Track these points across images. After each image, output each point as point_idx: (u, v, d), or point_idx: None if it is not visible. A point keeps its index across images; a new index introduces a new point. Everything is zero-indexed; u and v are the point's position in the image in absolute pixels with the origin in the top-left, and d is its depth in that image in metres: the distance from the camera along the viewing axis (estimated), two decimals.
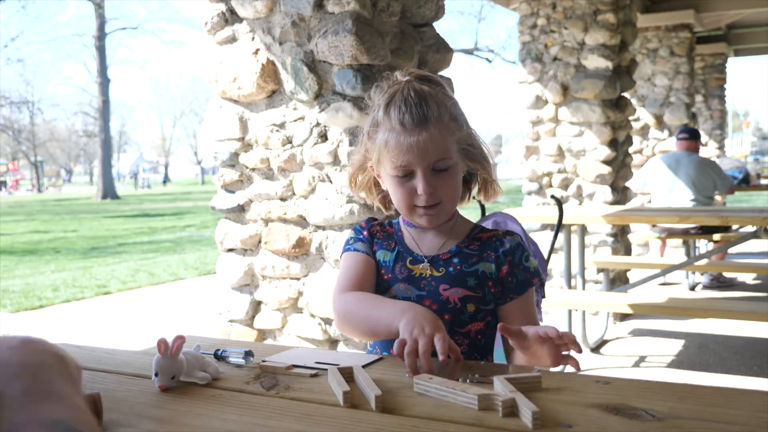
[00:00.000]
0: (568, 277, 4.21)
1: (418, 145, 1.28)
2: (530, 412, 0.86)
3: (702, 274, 6.15)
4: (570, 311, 4.05)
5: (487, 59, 28.87)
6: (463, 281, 1.35)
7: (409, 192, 1.33)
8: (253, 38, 2.56)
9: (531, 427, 0.85)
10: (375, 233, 1.46)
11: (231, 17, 2.62)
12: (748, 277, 6.40)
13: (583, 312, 4.29)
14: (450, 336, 1.15)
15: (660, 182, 5.73)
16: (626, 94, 5.42)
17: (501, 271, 1.37)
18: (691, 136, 5.77)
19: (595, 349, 4.33)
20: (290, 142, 2.55)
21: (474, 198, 1.48)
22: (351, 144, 2.41)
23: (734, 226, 5.65)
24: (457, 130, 1.33)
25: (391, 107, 1.30)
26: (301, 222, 2.58)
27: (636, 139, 7.57)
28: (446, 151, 1.31)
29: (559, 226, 2.72)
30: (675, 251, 7.00)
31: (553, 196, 3.03)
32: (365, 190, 1.46)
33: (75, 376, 0.79)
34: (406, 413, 0.92)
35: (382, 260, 1.42)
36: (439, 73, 2.69)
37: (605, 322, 4.60)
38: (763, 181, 9.20)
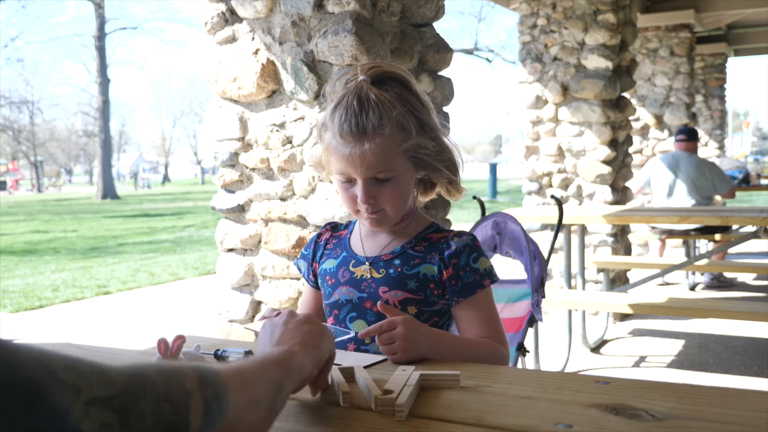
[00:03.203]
0: (568, 277, 4.21)
1: (356, 157, 1.26)
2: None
3: (702, 274, 6.15)
4: (570, 311, 4.05)
5: (487, 59, 28.85)
6: (403, 284, 1.34)
7: (351, 197, 1.32)
8: (253, 38, 2.57)
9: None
10: (324, 242, 1.48)
11: (231, 17, 2.63)
12: (748, 277, 6.40)
13: (583, 312, 4.29)
14: None
15: (659, 183, 5.72)
16: (626, 94, 5.42)
17: (443, 275, 1.34)
18: (689, 137, 5.77)
19: (595, 349, 4.33)
20: (290, 142, 2.55)
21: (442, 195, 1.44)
22: None
23: (734, 226, 5.65)
24: (404, 140, 1.28)
25: (336, 113, 1.28)
26: (301, 222, 2.58)
27: (636, 139, 7.57)
28: (387, 163, 1.28)
29: (559, 226, 2.72)
30: (675, 251, 7.00)
31: (553, 196, 3.03)
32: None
33: None
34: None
35: (327, 269, 1.43)
36: (440, 73, 2.70)
37: (605, 322, 4.60)
38: (763, 181, 9.20)
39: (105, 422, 0.60)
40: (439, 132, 1.35)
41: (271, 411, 0.82)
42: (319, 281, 1.46)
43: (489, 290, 1.35)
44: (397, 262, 1.36)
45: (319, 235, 1.50)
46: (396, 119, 1.26)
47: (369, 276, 1.36)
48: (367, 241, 1.41)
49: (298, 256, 1.53)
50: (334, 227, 1.51)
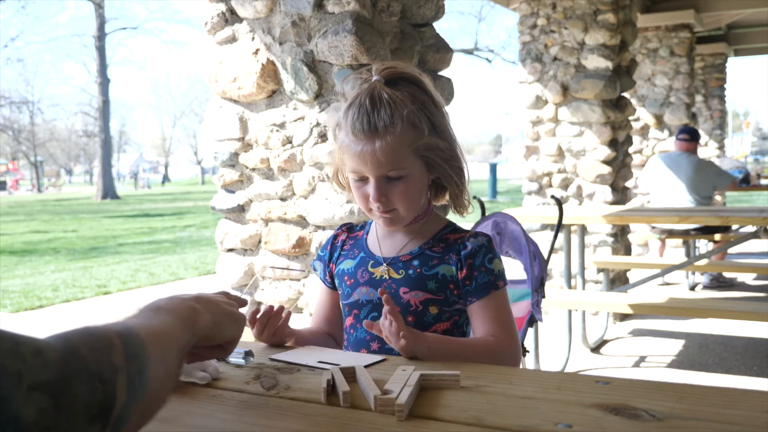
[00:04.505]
0: (568, 277, 4.21)
1: (368, 155, 1.27)
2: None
3: (702, 274, 6.15)
4: (570, 311, 4.05)
5: (487, 59, 28.87)
6: (423, 284, 1.34)
7: (364, 196, 1.33)
8: (253, 38, 2.57)
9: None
10: (341, 243, 1.48)
11: (231, 17, 2.63)
12: (748, 277, 6.40)
13: (583, 312, 4.29)
14: None
15: (658, 182, 5.72)
16: (626, 94, 5.41)
17: (460, 274, 1.34)
18: (690, 137, 5.77)
19: (595, 349, 4.33)
20: (290, 142, 2.55)
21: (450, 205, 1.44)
22: None
23: (734, 226, 5.65)
24: (416, 138, 1.29)
25: (349, 111, 1.30)
26: (301, 222, 2.58)
27: (636, 139, 7.57)
28: (398, 162, 1.29)
29: (559, 226, 2.72)
30: (675, 251, 7.00)
31: (553, 196, 3.03)
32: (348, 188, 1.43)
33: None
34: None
35: (345, 269, 1.43)
36: (440, 73, 2.70)
37: (605, 322, 4.60)
38: (763, 181, 9.19)
39: (42, 407, 0.59)
40: (452, 139, 1.35)
41: (176, 379, 0.84)
42: (337, 282, 1.46)
43: (504, 291, 1.35)
44: (415, 262, 1.36)
45: (335, 236, 1.51)
46: (407, 117, 1.27)
47: (388, 277, 1.37)
48: (384, 241, 1.42)
49: (317, 259, 1.52)
50: (349, 228, 1.51)
